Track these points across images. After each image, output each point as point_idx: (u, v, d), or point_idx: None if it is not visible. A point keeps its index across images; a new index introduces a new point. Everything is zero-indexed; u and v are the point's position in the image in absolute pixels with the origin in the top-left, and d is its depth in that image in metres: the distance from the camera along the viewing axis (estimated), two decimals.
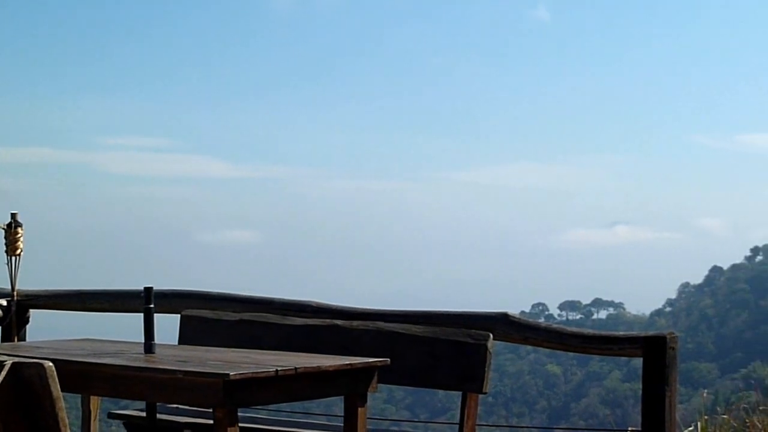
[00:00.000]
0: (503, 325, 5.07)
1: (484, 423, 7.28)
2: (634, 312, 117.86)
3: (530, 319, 5.26)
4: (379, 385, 4.40)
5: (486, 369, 4.91)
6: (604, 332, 5.13)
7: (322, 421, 5.84)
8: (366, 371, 4.34)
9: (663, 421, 4.73)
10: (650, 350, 4.75)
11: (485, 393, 4.94)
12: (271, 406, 5.27)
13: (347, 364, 4.27)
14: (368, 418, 4.80)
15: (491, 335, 4.94)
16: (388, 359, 4.44)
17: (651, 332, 4.90)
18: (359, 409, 4.32)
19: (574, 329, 5.26)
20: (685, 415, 6.17)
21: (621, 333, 5.16)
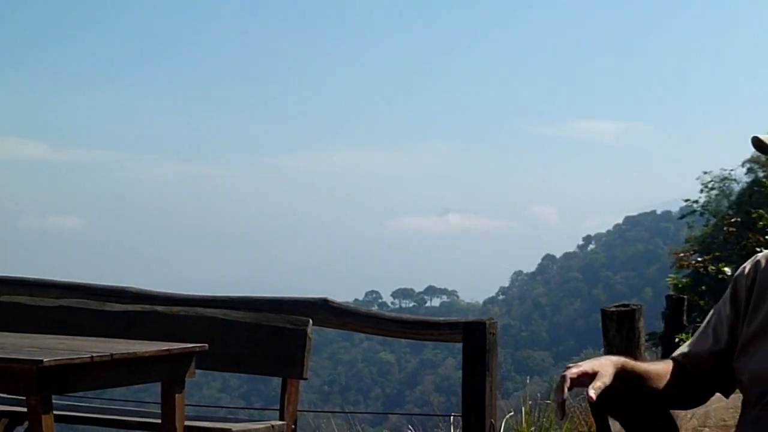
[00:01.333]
0: (323, 310, 5.10)
1: (319, 410, 7.25)
2: (467, 300, 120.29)
3: (350, 305, 5.29)
4: (213, 373, 4.39)
5: (306, 354, 4.91)
6: (423, 317, 5.19)
7: (141, 407, 5.73)
8: (184, 357, 4.30)
9: (483, 406, 4.79)
10: (470, 335, 4.81)
11: (305, 378, 4.95)
12: (91, 393, 5.14)
13: (164, 350, 4.21)
14: (192, 405, 4.68)
15: (311, 321, 4.95)
16: (206, 345, 4.40)
17: (471, 318, 4.95)
18: (177, 395, 4.27)
19: (394, 314, 5.29)
20: (518, 403, 6.26)
21: (441, 318, 5.21)
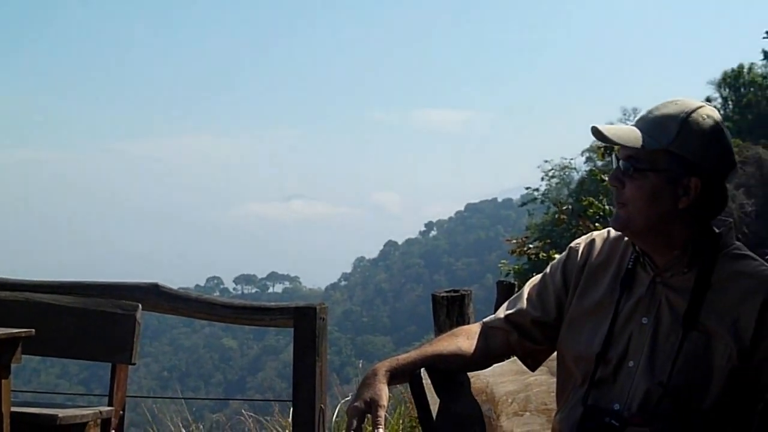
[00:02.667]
0: (153, 295, 5.04)
1: (158, 396, 7.12)
2: (309, 286, 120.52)
3: (181, 290, 5.18)
4: (52, 359, 4.24)
5: (135, 340, 4.87)
6: (255, 303, 5.16)
7: None
8: (9, 342, 4.23)
9: (313, 391, 4.79)
10: (300, 320, 4.82)
11: (134, 363, 4.91)
12: None
13: None
14: (29, 391, 4.50)
15: (140, 306, 4.92)
16: (33, 330, 4.33)
17: (301, 303, 4.94)
18: (2, 380, 4.21)
19: (225, 300, 5.25)
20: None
21: (272, 303, 5.21)
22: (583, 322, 2.49)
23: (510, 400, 2.81)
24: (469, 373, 2.66)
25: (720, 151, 2.36)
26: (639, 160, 2.34)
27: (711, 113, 2.40)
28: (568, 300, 2.55)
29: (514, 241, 12.33)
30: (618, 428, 2.32)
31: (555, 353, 2.61)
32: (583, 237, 2.63)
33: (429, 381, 2.48)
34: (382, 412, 2.38)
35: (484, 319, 2.66)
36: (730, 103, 56.15)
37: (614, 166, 2.42)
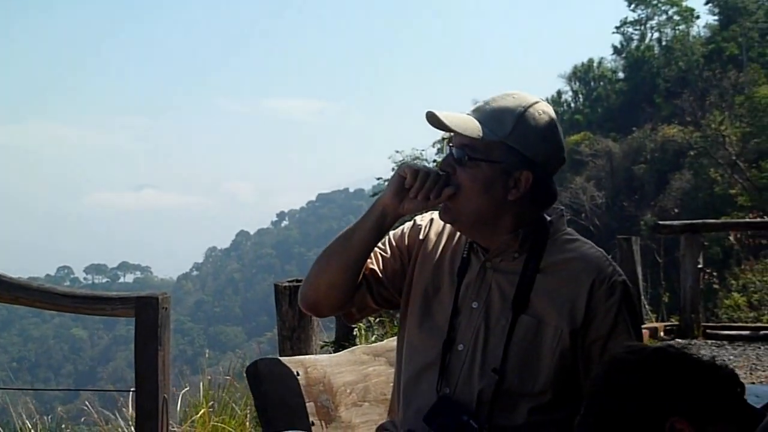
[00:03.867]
0: None
1: (7, 387, 6.87)
2: (161, 276, 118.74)
3: (22, 279, 4.97)
4: None
5: None
6: (96, 292, 4.99)
7: None
8: None
9: (156, 381, 4.67)
10: (142, 310, 4.69)
11: None
12: None
13: None
14: None
15: None
16: None
17: (144, 293, 4.82)
18: None
19: (66, 289, 5.06)
20: (213, 378, 6.18)
21: (113, 293, 5.05)
22: (425, 307, 2.51)
23: (348, 391, 2.84)
24: (306, 363, 2.68)
25: (552, 147, 2.41)
26: (474, 149, 2.37)
27: (546, 109, 2.43)
28: (408, 272, 2.58)
29: None
30: (476, 430, 2.33)
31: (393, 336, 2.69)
32: (427, 213, 2.64)
33: (264, 371, 2.51)
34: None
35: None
36: (580, 96, 57.96)
37: (447, 153, 2.43)
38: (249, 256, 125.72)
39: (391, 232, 2.64)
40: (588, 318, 2.33)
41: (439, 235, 2.59)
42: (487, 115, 2.38)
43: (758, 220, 16.32)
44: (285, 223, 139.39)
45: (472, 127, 2.35)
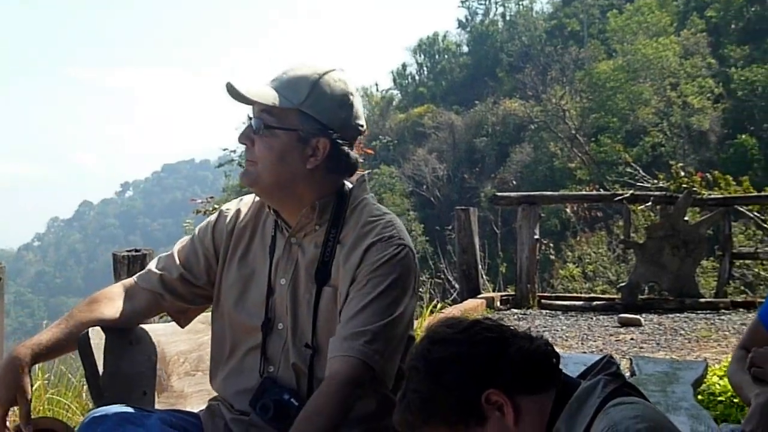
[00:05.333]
0: None
1: None
2: (1, 246, 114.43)
3: None
4: None
5: None
6: None
7: None
8: None
9: None
10: None
11: None
12: None
13: None
14: None
15: None
16: None
17: None
18: None
19: None
20: None
21: None
22: (241, 290, 2.52)
23: (182, 360, 2.85)
24: (139, 333, 2.62)
25: (349, 114, 2.41)
26: (271, 118, 2.36)
27: (342, 77, 2.43)
28: (219, 264, 2.56)
29: (200, 201, 12.05)
30: (297, 408, 2.34)
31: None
32: (234, 201, 2.65)
33: (98, 341, 2.43)
34: (28, 407, 2.34)
35: (136, 277, 2.62)
36: (425, 69, 58.48)
37: (247, 125, 2.42)
38: (92, 226, 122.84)
39: (197, 229, 2.64)
40: (354, 276, 2.35)
41: (250, 220, 2.58)
42: (283, 83, 2.39)
43: (593, 192, 16.61)
44: (129, 193, 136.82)
45: (267, 94, 2.35)
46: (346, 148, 2.41)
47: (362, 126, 2.45)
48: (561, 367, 1.89)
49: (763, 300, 2.61)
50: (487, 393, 1.79)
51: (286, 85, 2.38)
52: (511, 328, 1.89)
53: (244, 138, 2.40)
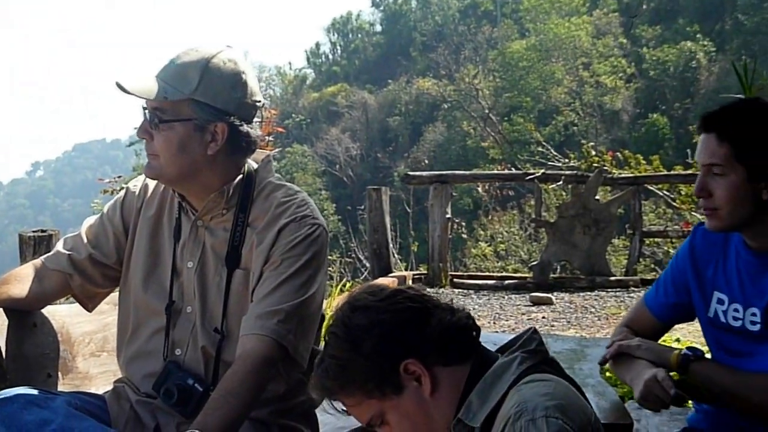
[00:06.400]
0: None
1: None
2: None
3: None
4: None
5: None
6: None
7: None
8: None
9: None
10: None
11: None
12: None
13: None
14: None
15: None
16: None
17: None
18: None
19: None
20: None
21: None
22: (148, 271, 2.50)
23: (87, 341, 2.85)
24: (43, 314, 2.60)
25: (243, 93, 2.39)
26: (164, 111, 2.33)
27: (232, 57, 2.39)
28: (128, 242, 2.54)
29: (107, 180, 11.73)
30: (201, 393, 2.35)
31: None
32: (140, 177, 2.61)
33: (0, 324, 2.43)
34: None
35: (44, 258, 2.58)
36: (338, 48, 58.22)
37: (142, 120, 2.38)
38: (1, 206, 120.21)
39: (106, 207, 2.61)
40: (268, 256, 2.35)
41: (156, 198, 2.55)
42: (171, 73, 2.34)
43: (505, 172, 16.59)
44: (40, 173, 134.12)
45: (157, 89, 2.31)
46: (245, 127, 2.39)
47: (259, 102, 2.43)
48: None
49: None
50: (405, 363, 1.79)
51: (174, 75, 2.34)
52: (434, 298, 1.87)
53: (142, 132, 2.38)
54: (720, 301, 2.38)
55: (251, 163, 2.48)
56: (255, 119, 2.45)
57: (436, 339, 1.80)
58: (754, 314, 2.29)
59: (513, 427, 1.63)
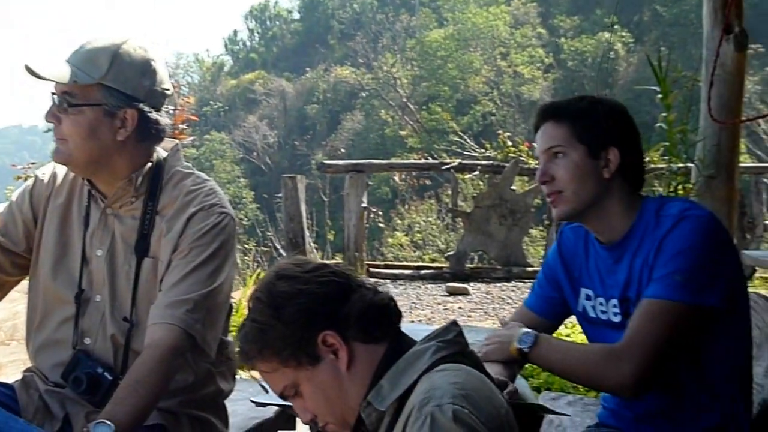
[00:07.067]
0: None
1: None
2: None
3: None
4: None
5: None
6: None
7: None
8: None
9: None
10: None
11: None
12: None
13: None
14: None
15: None
16: None
17: None
18: None
19: None
20: None
21: None
22: (57, 260, 2.48)
23: None
24: None
25: (153, 81, 2.40)
26: (73, 95, 2.33)
27: (142, 44, 2.41)
28: (37, 230, 2.52)
29: (21, 167, 11.45)
30: (110, 382, 2.35)
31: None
32: (49, 164, 2.61)
33: None
34: None
35: None
36: (256, 35, 57.69)
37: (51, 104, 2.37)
38: None
39: (14, 195, 2.58)
40: (176, 244, 2.36)
41: (66, 186, 2.54)
42: (81, 58, 2.35)
43: (421, 161, 16.56)
44: None
45: (64, 73, 2.31)
46: (154, 114, 2.40)
47: (168, 90, 2.46)
48: None
49: None
50: (324, 334, 1.80)
51: (85, 59, 2.35)
52: (359, 277, 1.90)
53: (50, 116, 2.36)
54: (588, 297, 2.46)
55: (160, 152, 2.49)
56: (164, 107, 2.47)
57: (357, 315, 1.82)
58: (615, 305, 2.36)
59: (419, 412, 1.64)
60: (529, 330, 2.39)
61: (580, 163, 2.30)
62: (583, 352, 2.32)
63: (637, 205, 2.33)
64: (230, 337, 2.59)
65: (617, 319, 2.35)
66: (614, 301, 2.36)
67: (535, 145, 2.45)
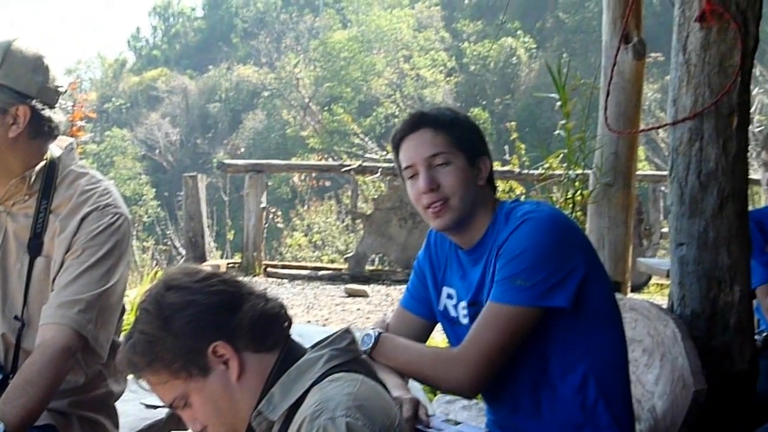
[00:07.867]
0: None
1: None
2: None
3: None
4: None
5: None
6: None
7: None
8: None
9: None
10: None
11: None
12: None
13: None
14: None
15: None
16: None
17: None
18: None
19: None
20: None
21: None
22: None
23: None
24: None
25: (45, 77, 2.39)
26: None
27: (33, 43, 2.40)
28: None
29: None
30: (1, 381, 2.34)
31: None
32: None
33: None
34: None
35: None
36: (159, 32, 56.80)
37: None
38: None
39: None
40: (70, 244, 2.35)
41: None
42: None
43: (321, 163, 16.62)
44: None
45: None
46: (47, 111, 2.39)
47: (61, 87, 2.44)
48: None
49: None
50: (215, 345, 1.78)
51: None
52: (249, 285, 1.89)
53: None
54: (449, 296, 2.50)
55: (54, 150, 2.46)
56: (59, 104, 2.46)
57: (248, 324, 1.80)
58: (464, 308, 2.41)
59: (311, 424, 1.64)
60: (372, 330, 2.44)
61: (463, 169, 2.33)
62: (424, 355, 2.38)
63: (494, 209, 2.38)
64: (122, 338, 2.58)
65: (465, 321, 2.39)
66: (464, 303, 2.41)
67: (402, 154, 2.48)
